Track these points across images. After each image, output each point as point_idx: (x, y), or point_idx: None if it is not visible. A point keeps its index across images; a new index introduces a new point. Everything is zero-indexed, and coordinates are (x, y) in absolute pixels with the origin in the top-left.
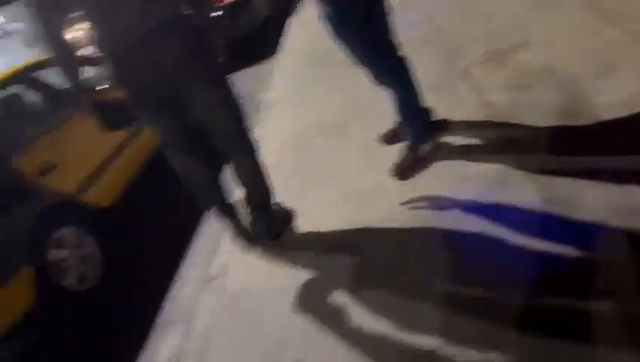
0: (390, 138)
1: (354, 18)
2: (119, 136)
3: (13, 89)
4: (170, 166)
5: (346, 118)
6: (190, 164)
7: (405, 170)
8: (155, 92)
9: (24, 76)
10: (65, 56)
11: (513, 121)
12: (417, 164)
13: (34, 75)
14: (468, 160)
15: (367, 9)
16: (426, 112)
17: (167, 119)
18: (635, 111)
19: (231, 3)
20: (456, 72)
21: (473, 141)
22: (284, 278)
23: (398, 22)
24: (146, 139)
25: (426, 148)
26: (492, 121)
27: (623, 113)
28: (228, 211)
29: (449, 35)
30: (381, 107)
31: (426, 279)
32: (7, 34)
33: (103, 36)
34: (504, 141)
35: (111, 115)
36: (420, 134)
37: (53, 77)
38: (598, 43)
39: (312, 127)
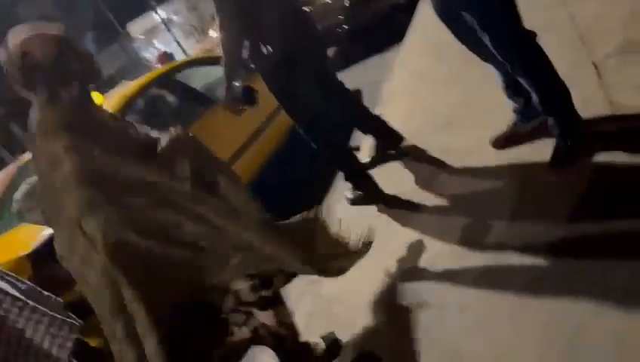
0: (505, 141)
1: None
2: (247, 127)
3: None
4: None
5: (462, 115)
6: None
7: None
8: None
9: (165, 79)
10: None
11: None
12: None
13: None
14: None
15: None
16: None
17: None
18: None
19: None
20: (584, 64)
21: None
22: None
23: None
24: (273, 130)
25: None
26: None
27: None
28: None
29: (582, 21)
30: (501, 106)
31: None
32: (170, 23)
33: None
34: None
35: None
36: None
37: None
38: None
39: (427, 123)
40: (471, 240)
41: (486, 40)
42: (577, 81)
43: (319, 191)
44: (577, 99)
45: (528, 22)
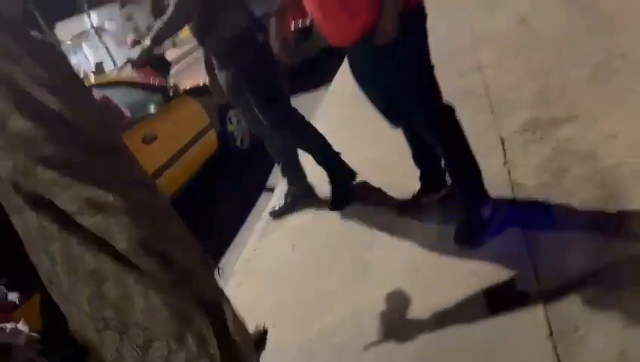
0: (408, 208)
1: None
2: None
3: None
4: None
5: (369, 174)
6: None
7: (472, 237)
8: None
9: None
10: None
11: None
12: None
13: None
14: None
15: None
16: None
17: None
18: None
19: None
20: (491, 140)
21: None
22: None
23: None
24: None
25: (487, 208)
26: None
27: None
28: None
29: (495, 91)
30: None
31: None
32: (101, 30)
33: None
34: None
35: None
36: (478, 194)
37: None
38: None
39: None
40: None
41: (403, 110)
42: (484, 157)
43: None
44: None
45: (443, 87)
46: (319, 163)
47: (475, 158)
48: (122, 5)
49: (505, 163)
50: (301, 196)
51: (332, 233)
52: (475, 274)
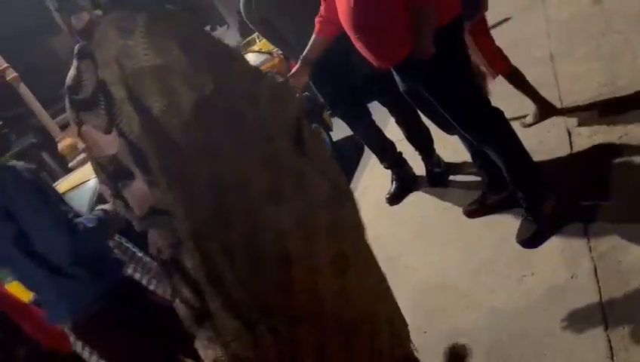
0: (475, 211)
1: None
2: None
3: None
4: None
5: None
6: None
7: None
8: None
9: None
10: None
11: None
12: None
13: None
14: None
15: None
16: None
17: None
18: None
19: None
20: (560, 131)
21: None
22: None
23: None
24: None
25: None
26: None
27: None
28: None
29: (564, 81)
30: None
31: None
32: None
33: None
34: None
35: None
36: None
37: None
38: None
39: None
40: None
41: (449, 116)
42: (551, 150)
43: None
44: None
45: None
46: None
47: (529, 157)
48: (212, 29)
49: (570, 155)
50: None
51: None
52: (536, 272)
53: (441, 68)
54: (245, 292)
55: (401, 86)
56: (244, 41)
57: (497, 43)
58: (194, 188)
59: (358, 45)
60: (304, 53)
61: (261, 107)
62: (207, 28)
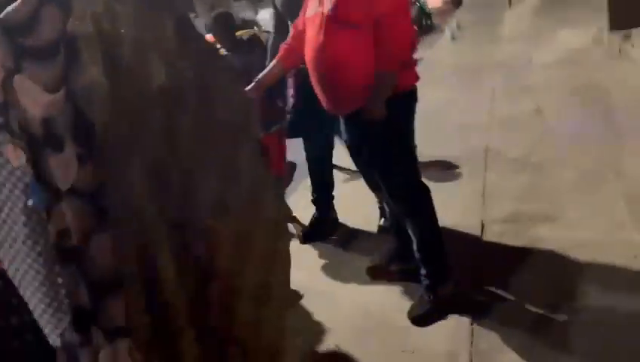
0: (378, 274)
1: None
2: None
3: None
4: None
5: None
6: None
7: (425, 316)
8: None
9: None
10: None
11: None
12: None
13: None
14: None
15: None
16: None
17: None
18: None
19: None
20: (473, 222)
21: None
22: None
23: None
24: None
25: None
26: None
27: None
28: None
29: (492, 174)
30: None
31: None
32: None
33: None
34: None
35: None
36: (440, 275)
37: None
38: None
39: None
40: None
41: (379, 179)
42: (462, 238)
43: None
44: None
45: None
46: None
47: (441, 240)
48: None
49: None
50: None
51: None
52: (416, 351)
53: (386, 131)
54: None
55: (344, 135)
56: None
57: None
58: (135, 170)
59: (316, 85)
60: (259, 75)
61: (234, 111)
62: None
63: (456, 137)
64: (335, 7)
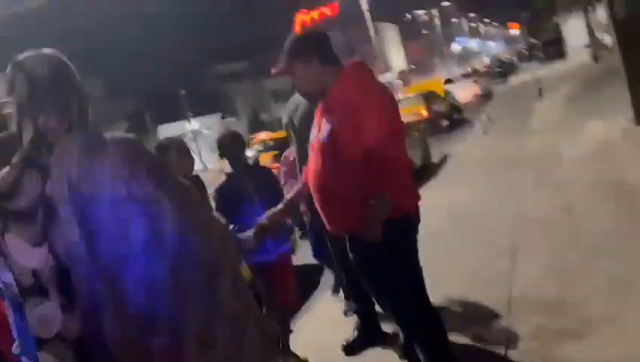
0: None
1: None
2: None
3: None
4: None
5: None
6: None
7: None
8: None
9: None
10: None
11: None
12: None
13: None
14: None
15: None
16: None
17: None
18: None
19: None
20: (498, 339)
21: None
22: None
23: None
24: None
25: None
26: None
27: None
28: None
29: (519, 285)
30: None
31: None
32: (198, 134)
33: None
34: None
35: None
36: None
37: None
38: None
39: None
40: None
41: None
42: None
43: None
44: None
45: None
46: None
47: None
48: (222, 117)
49: None
50: None
51: None
52: None
53: (384, 255)
54: None
55: (350, 252)
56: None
57: None
58: (109, 323)
59: (318, 206)
60: (289, 195)
61: (211, 245)
62: (220, 115)
63: (482, 240)
64: (328, 137)
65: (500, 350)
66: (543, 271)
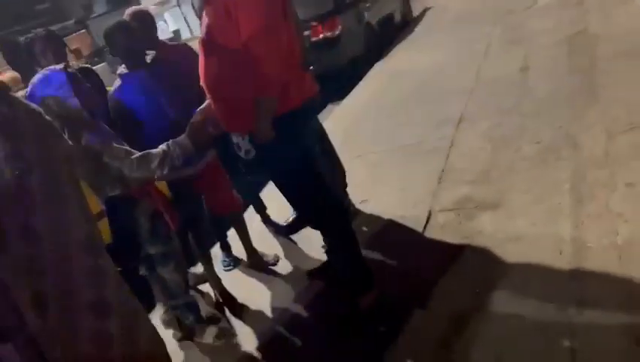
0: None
1: None
2: None
3: None
4: None
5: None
6: None
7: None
8: None
9: None
10: None
11: None
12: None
13: None
14: None
15: None
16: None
17: None
18: None
19: (323, 38)
20: (422, 211)
21: None
22: None
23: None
24: None
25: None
26: None
27: None
28: None
29: (455, 153)
30: None
31: None
32: (182, 2)
33: None
34: None
35: None
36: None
37: None
38: None
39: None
40: None
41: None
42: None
43: None
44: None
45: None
46: None
47: (357, 255)
48: None
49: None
50: None
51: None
52: None
53: (278, 153)
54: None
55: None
56: None
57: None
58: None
59: (213, 106)
60: None
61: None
62: None
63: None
64: (206, 33)
65: (420, 226)
66: (481, 139)
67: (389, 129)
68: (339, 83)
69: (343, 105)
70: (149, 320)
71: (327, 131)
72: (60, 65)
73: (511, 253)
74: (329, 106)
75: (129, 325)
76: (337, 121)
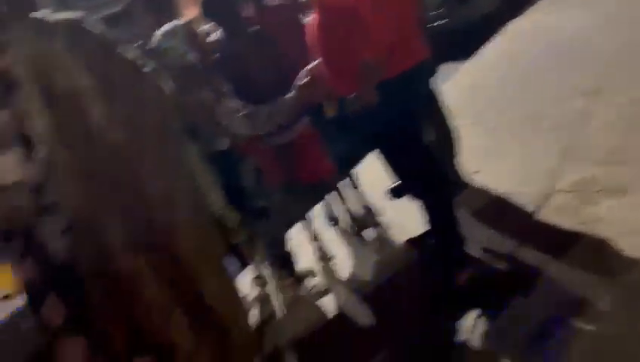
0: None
1: None
2: None
3: None
4: None
5: None
6: None
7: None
8: None
9: None
10: None
11: None
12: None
13: None
14: None
15: None
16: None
17: None
18: None
19: None
20: (544, 187)
21: None
22: None
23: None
24: None
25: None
26: None
27: None
28: None
29: (586, 127)
30: None
31: None
32: None
33: None
34: None
35: None
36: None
37: None
38: None
39: None
40: None
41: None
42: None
43: None
44: None
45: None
46: None
47: (459, 231)
48: None
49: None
50: None
51: None
52: None
53: (382, 118)
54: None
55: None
56: None
57: None
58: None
59: (326, 70)
60: None
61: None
62: None
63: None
64: None
65: (533, 208)
66: (617, 116)
67: (514, 96)
68: (468, 41)
69: (466, 65)
70: None
71: (445, 93)
72: (184, 20)
73: (631, 247)
74: (452, 65)
75: None
76: (458, 83)
